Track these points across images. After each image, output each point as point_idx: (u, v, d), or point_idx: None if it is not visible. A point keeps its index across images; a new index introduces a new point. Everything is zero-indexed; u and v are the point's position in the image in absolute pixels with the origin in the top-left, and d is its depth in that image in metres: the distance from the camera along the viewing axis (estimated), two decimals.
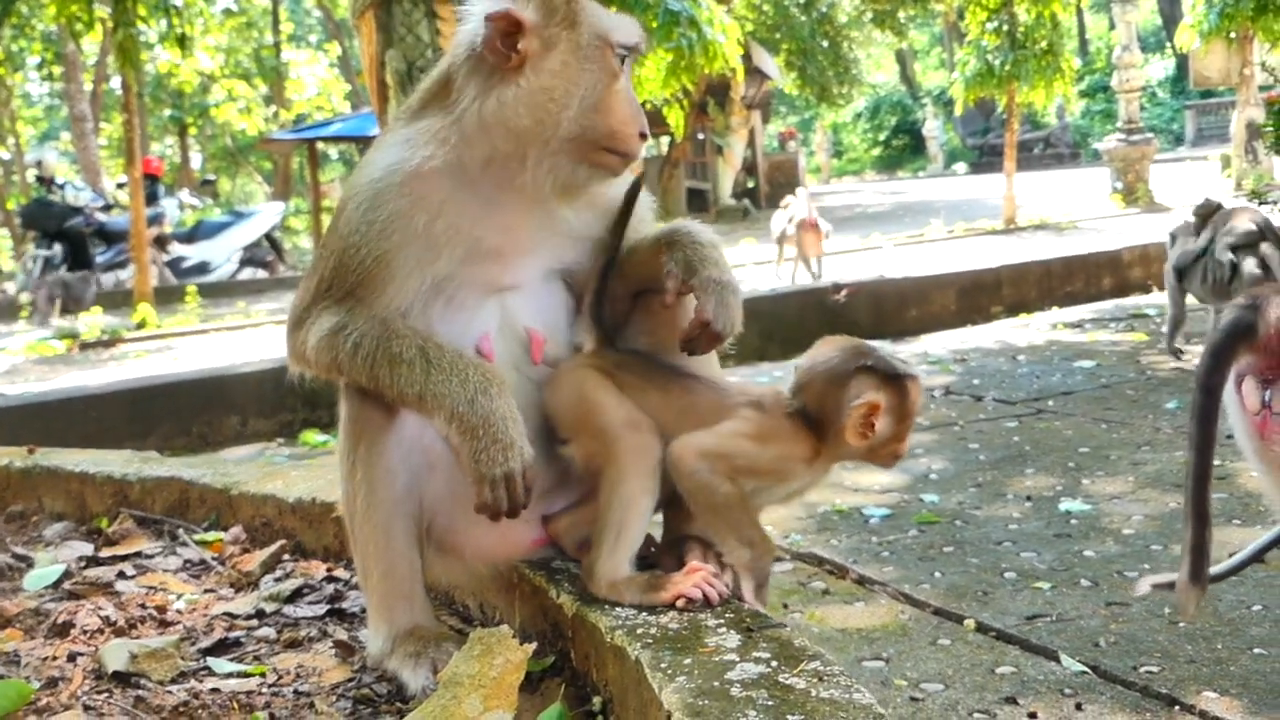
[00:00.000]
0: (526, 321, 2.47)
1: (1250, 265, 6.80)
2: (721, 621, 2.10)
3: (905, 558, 4.05)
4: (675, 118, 14.96)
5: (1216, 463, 4.83)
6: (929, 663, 3.18)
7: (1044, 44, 17.89)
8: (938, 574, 3.86)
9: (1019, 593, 3.66)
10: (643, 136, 2.42)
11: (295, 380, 2.57)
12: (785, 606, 3.62)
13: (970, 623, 3.42)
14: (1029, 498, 4.64)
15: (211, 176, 35.64)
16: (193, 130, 41.51)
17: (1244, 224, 6.98)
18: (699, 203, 27.35)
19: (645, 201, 2.64)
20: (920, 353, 8.37)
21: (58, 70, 33.10)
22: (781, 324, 8.32)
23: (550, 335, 2.49)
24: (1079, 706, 2.88)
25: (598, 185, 2.46)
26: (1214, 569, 2.67)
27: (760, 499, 2.34)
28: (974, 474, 5.04)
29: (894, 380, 2.27)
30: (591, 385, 2.35)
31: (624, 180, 2.52)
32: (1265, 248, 6.80)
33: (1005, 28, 17.95)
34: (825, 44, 37.03)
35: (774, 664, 1.89)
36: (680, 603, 2.18)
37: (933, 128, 45.47)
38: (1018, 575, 3.81)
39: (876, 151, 53.29)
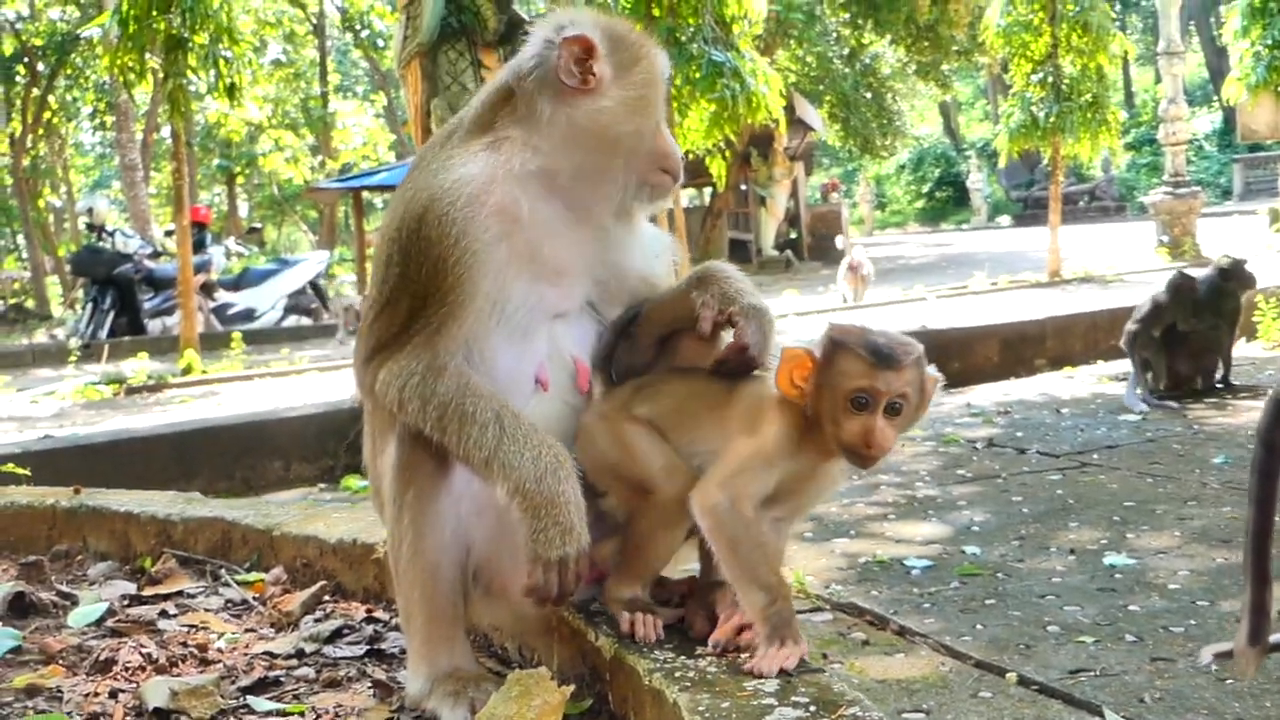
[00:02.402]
0: (572, 350, 2.51)
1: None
2: None
3: (947, 609, 4.02)
4: (718, 168, 15.07)
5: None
6: (970, 715, 3.15)
7: (1089, 96, 17.86)
8: (979, 626, 3.82)
9: (1062, 646, 3.62)
10: (682, 159, 2.58)
11: (354, 405, 2.60)
12: (825, 656, 3.60)
13: (1012, 676, 3.38)
14: (1072, 551, 4.60)
15: (258, 225, 36.15)
16: (240, 179, 42.14)
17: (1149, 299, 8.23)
18: (741, 253, 27.41)
19: (665, 242, 2.72)
20: (963, 405, 8.32)
21: (109, 120, 33.73)
22: None
23: (589, 365, 2.54)
24: None
25: (651, 205, 2.60)
26: (1276, 637, 2.59)
27: (781, 492, 2.30)
28: (1017, 527, 5.00)
29: (834, 345, 2.21)
30: (633, 437, 2.37)
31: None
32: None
33: (1050, 80, 17.95)
34: (869, 96, 37.18)
35: (812, 709, 1.89)
36: (625, 629, 2.32)
37: (977, 180, 45.38)
38: (1061, 629, 3.77)
39: (920, 203, 53.28)
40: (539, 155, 2.43)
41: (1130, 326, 8.11)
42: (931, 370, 2.29)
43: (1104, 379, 9.16)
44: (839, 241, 14.50)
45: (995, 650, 3.60)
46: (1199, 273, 8.37)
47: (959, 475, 6.06)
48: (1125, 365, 9.44)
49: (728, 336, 2.46)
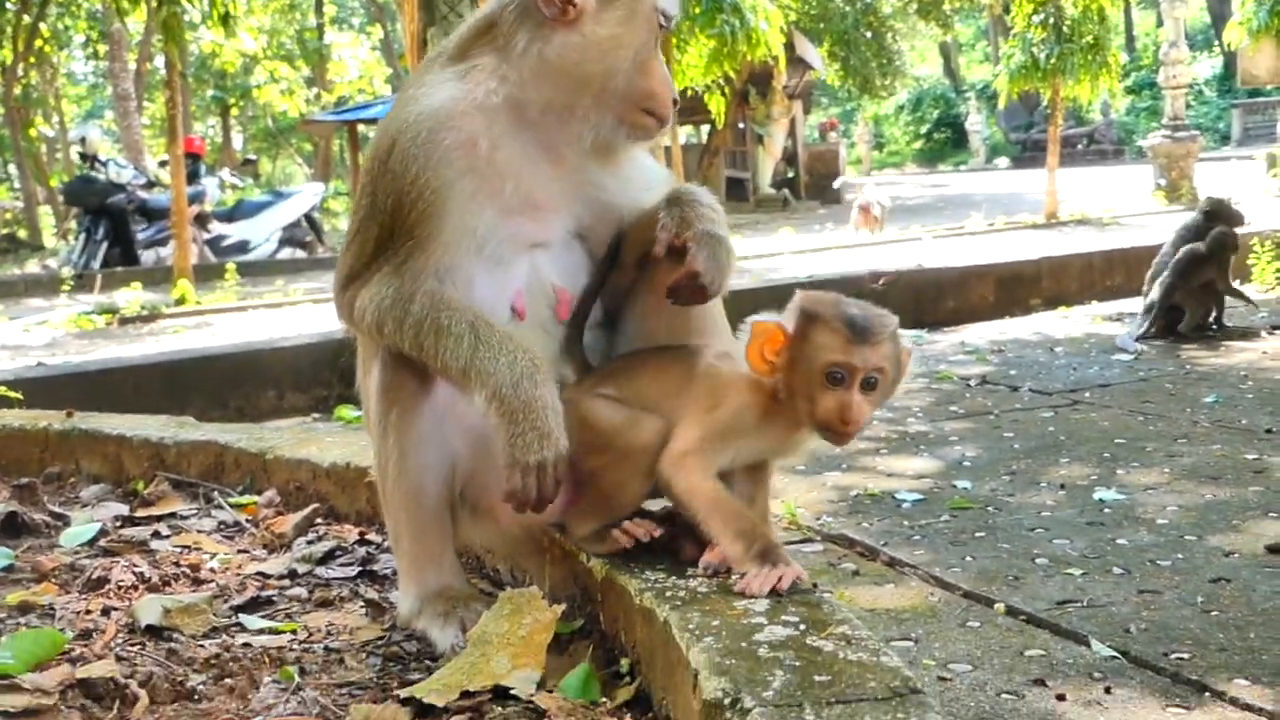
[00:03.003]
0: (554, 280, 2.49)
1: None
2: None
3: (936, 542, 4.04)
4: (716, 105, 14.97)
5: (1253, 456, 4.82)
6: (957, 644, 3.17)
7: (1090, 38, 17.72)
8: (969, 558, 3.85)
9: (1050, 578, 3.64)
10: (674, 103, 2.47)
11: (345, 336, 2.60)
12: (815, 586, 3.59)
13: (1000, 606, 3.41)
14: (1063, 486, 4.62)
15: (252, 157, 35.93)
16: (235, 111, 41.86)
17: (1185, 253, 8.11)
18: (738, 192, 27.32)
19: (660, 176, 2.68)
20: (958, 343, 8.33)
21: (102, 49, 33.39)
22: None
23: (574, 293, 2.51)
24: (1108, 690, 2.86)
25: (631, 146, 2.51)
26: None
27: (743, 460, 2.30)
28: (1008, 462, 5.02)
29: (808, 318, 2.15)
30: (594, 409, 2.35)
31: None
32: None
33: (1051, 21, 17.79)
34: (869, 35, 36.92)
35: (802, 627, 1.90)
36: (626, 542, 2.32)
37: (975, 121, 45.18)
38: (1049, 561, 3.79)
39: (918, 144, 53.02)
40: (506, 85, 2.38)
41: (1167, 278, 8.00)
42: (906, 343, 2.24)
43: (1098, 319, 9.17)
44: (838, 183, 14.33)
45: (984, 581, 3.62)
46: (1190, 217, 8.40)
47: (951, 411, 6.08)
48: (1119, 305, 9.48)
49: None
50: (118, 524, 3.43)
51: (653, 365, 2.40)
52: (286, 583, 2.90)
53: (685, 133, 31.07)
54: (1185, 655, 3.03)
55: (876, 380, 2.13)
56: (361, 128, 24.39)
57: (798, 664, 1.76)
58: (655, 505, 2.44)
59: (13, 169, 37.53)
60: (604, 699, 2.10)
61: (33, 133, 34.03)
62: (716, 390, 2.25)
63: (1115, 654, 3.06)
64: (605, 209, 2.54)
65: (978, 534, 4.10)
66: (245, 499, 3.60)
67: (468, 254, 2.38)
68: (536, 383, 2.24)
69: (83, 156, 19.94)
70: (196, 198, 17.98)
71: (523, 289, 2.46)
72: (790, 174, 30.07)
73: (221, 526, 3.42)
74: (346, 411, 6.55)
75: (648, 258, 2.46)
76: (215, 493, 3.67)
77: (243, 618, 2.63)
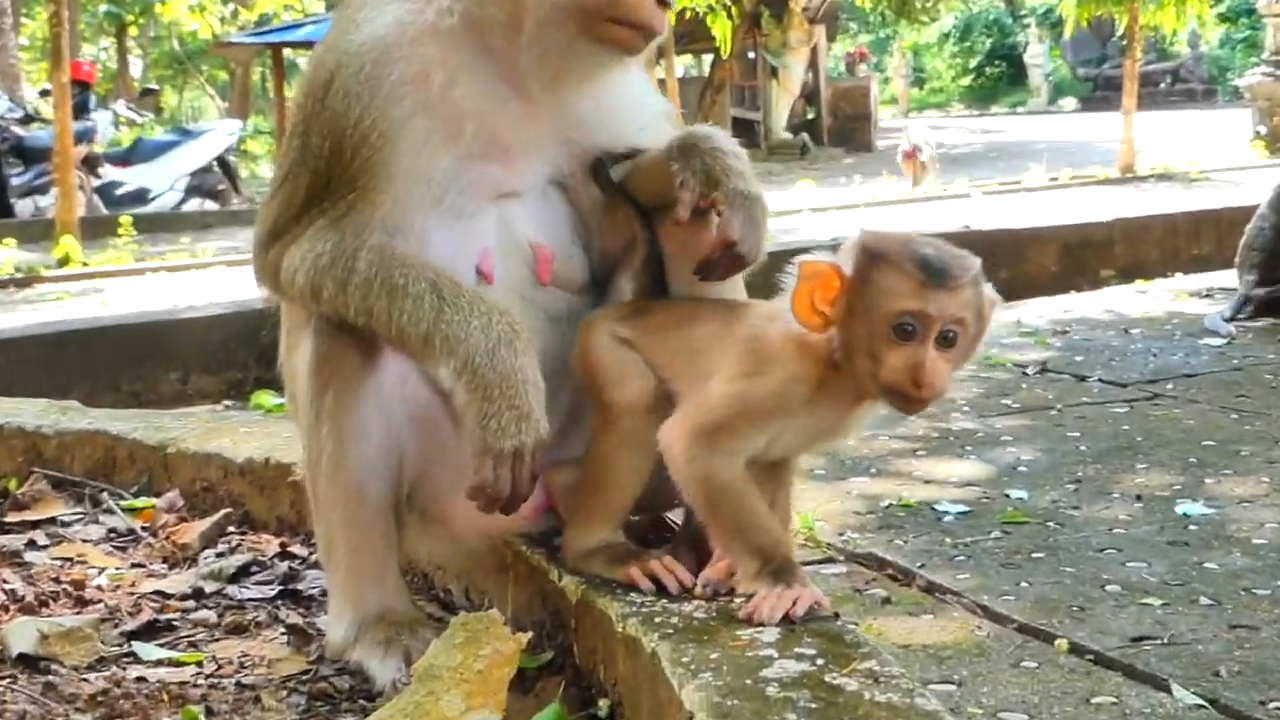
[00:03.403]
0: (530, 235, 2.47)
1: None
2: None
3: (985, 563, 4.04)
4: (721, 29, 14.93)
5: None
6: (1010, 688, 3.17)
7: None
8: (1024, 584, 3.85)
9: (1123, 609, 3.65)
10: (663, 4, 2.37)
11: (266, 306, 2.58)
12: (837, 615, 3.61)
13: (1062, 643, 3.41)
14: (1139, 498, 4.62)
15: (154, 86, 35.78)
16: (133, 30, 41.63)
17: None
18: (748, 135, 27.26)
19: (657, 109, 2.66)
20: (1012, 321, 8.32)
21: None
22: None
23: (556, 250, 2.49)
24: None
25: (612, 71, 2.46)
26: None
27: (782, 447, 2.28)
28: (1073, 468, 5.03)
29: (871, 257, 2.09)
30: (595, 344, 2.36)
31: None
32: None
33: None
34: None
35: (820, 662, 1.90)
36: (644, 585, 2.23)
37: (1036, 54, 45.25)
38: (1122, 589, 3.79)
39: (966, 81, 53.09)
40: (461, 1, 2.38)
41: None
42: (989, 290, 2.18)
43: (1183, 295, 9.16)
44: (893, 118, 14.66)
45: (1042, 613, 3.62)
46: None
47: (1004, 405, 6.08)
48: (1209, 278, 9.47)
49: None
50: None
51: (689, 313, 2.39)
52: (191, 604, 2.90)
53: (683, 64, 31.02)
54: None
55: (955, 334, 2.09)
56: (288, 52, 24.34)
57: (814, 706, 1.76)
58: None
59: None
60: None
61: None
62: (761, 354, 2.21)
63: (1202, 702, 3.06)
64: (587, 152, 2.53)
65: (1035, 555, 4.10)
66: (141, 502, 3.59)
67: (422, 206, 2.37)
68: (516, 351, 2.23)
69: None
70: (85, 135, 17.92)
71: (491, 247, 2.45)
72: (810, 115, 30.07)
73: (112, 535, 3.42)
74: (266, 398, 6.54)
75: (654, 211, 2.45)
76: (104, 494, 3.67)
77: (137, 646, 2.62)
